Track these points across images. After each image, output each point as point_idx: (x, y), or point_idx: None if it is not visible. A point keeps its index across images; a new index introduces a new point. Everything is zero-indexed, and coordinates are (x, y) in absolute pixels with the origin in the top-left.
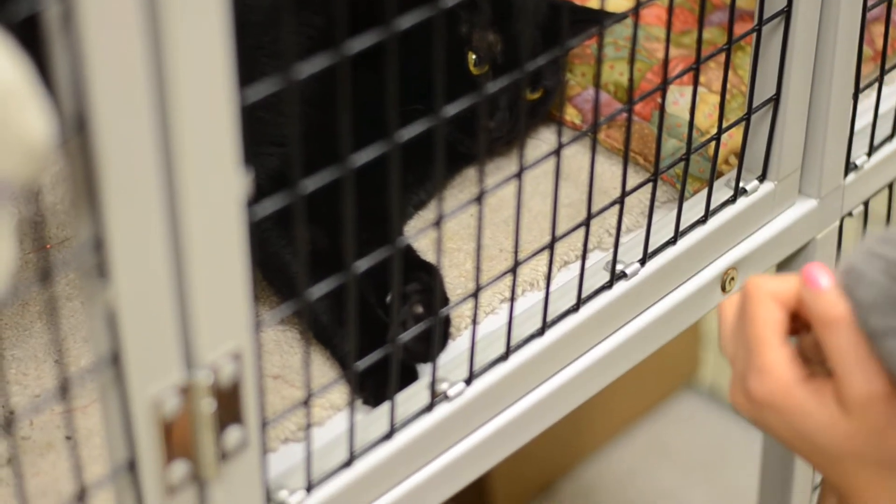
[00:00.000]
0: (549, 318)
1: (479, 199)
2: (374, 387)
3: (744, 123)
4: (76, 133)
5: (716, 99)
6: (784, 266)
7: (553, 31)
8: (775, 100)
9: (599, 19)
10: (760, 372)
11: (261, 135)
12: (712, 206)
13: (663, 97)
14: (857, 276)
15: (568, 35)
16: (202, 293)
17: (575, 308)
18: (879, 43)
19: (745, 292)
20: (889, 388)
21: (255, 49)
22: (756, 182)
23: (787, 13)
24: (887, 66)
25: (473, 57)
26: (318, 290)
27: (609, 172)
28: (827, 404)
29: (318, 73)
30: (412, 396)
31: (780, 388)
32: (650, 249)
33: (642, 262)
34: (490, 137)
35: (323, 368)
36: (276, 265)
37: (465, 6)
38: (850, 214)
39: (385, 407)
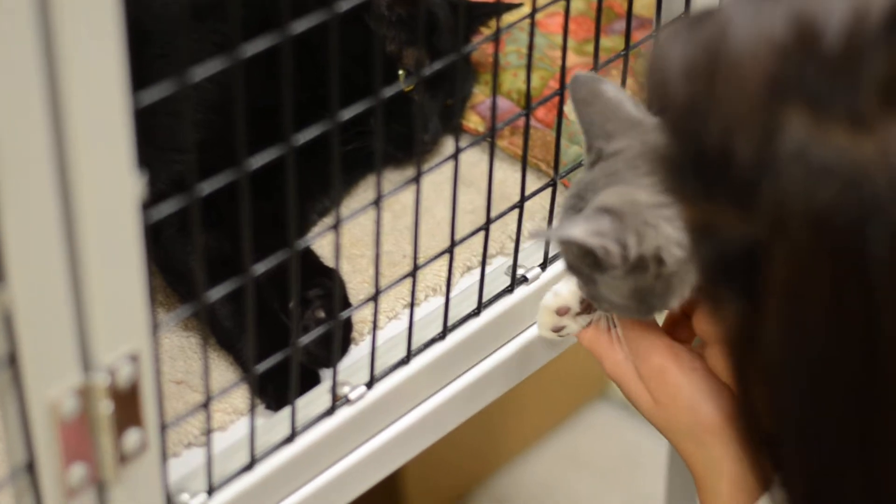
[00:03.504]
0: (451, 322)
1: (376, 202)
2: (276, 391)
3: None
4: None
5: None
6: None
7: (456, 34)
8: None
9: (497, 11)
10: (600, 359)
11: (164, 140)
12: None
13: (561, 103)
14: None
15: (467, 35)
16: (98, 295)
17: (476, 312)
18: None
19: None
20: (663, 364)
21: (158, 58)
22: None
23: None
24: None
25: (402, 74)
26: (218, 292)
27: (512, 179)
28: (636, 379)
29: (222, 79)
30: (314, 400)
31: (610, 368)
32: (551, 254)
33: (543, 266)
34: (423, 149)
35: (226, 374)
36: (179, 271)
37: (389, 24)
38: None
39: (286, 411)
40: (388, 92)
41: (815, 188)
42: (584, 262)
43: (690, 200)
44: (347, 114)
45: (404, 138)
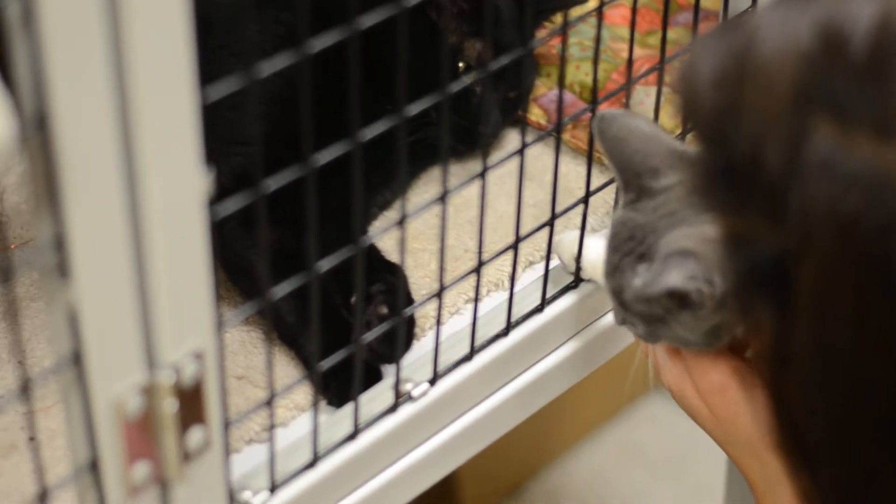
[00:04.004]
0: (514, 318)
1: (442, 198)
2: (338, 387)
3: None
4: (36, 132)
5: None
6: None
7: (523, 27)
8: None
9: (566, 4)
10: (659, 371)
11: (226, 133)
12: None
13: (628, 97)
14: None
15: (532, 28)
16: (164, 292)
17: (539, 308)
18: None
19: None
20: (724, 381)
21: (220, 48)
22: None
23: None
24: None
25: (463, 66)
26: (282, 289)
27: (574, 172)
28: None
29: (286, 71)
30: (376, 397)
31: (670, 380)
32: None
33: None
34: (484, 142)
35: (287, 369)
36: (241, 266)
37: (451, 16)
38: None
39: (349, 407)
40: (454, 87)
41: (840, 197)
42: (661, 306)
43: (722, 210)
44: (414, 109)
45: (465, 131)
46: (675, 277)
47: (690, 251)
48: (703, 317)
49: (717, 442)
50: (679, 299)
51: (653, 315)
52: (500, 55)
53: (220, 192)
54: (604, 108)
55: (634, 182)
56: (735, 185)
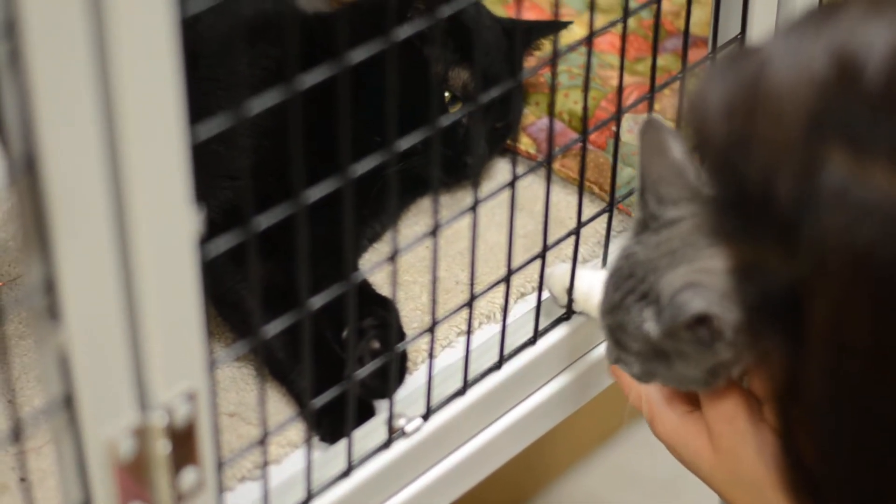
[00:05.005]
0: (506, 351)
1: (433, 232)
2: (331, 423)
3: None
4: (25, 173)
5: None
6: None
7: (512, 56)
8: None
9: (553, 29)
10: (652, 420)
11: (214, 167)
12: None
13: (618, 126)
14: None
15: (522, 60)
16: (155, 334)
17: (532, 341)
18: None
19: (613, 370)
20: (734, 410)
21: (209, 80)
22: None
23: (741, 39)
24: None
25: (448, 96)
26: (274, 327)
27: (565, 202)
28: (698, 433)
29: (275, 106)
30: (370, 433)
31: (667, 427)
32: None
33: None
34: (470, 174)
35: (279, 405)
36: (231, 301)
37: (437, 45)
38: None
39: (342, 444)
40: (444, 121)
41: (855, 228)
42: (674, 341)
43: (733, 240)
44: (404, 144)
45: (451, 162)
46: (699, 303)
47: (698, 283)
48: (715, 349)
49: (717, 485)
50: (698, 331)
51: (656, 352)
52: (488, 85)
53: (210, 226)
54: (591, 135)
55: (647, 200)
56: (747, 215)
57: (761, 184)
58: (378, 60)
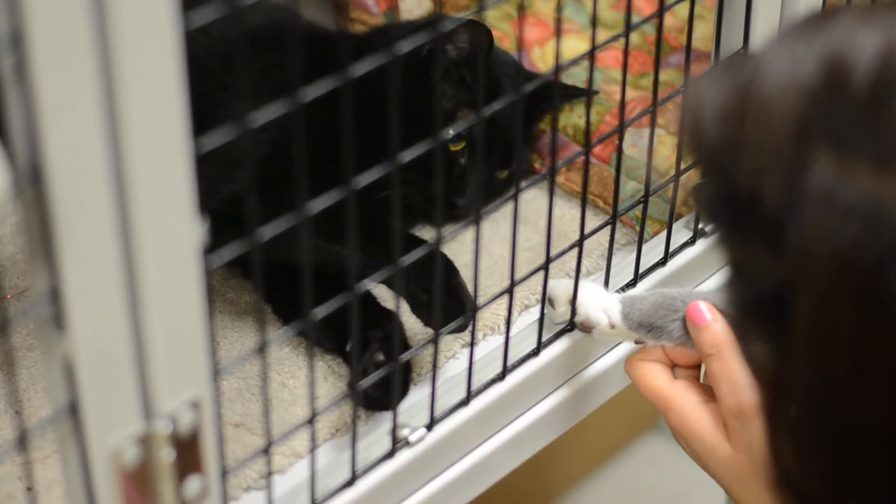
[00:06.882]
0: (510, 362)
1: (436, 244)
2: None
3: None
4: (31, 185)
5: (674, 140)
6: None
7: (529, 110)
8: None
9: (577, 95)
10: (667, 411)
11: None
12: (672, 248)
13: (621, 139)
14: None
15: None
16: (160, 343)
17: (535, 352)
18: None
19: (627, 366)
20: (753, 410)
21: (219, 90)
22: None
23: (743, 54)
24: None
25: (452, 134)
26: (280, 337)
27: (569, 215)
28: (714, 425)
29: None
30: (374, 443)
31: (682, 418)
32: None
33: None
34: (457, 214)
35: (284, 416)
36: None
37: (451, 83)
38: None
39: (346, 454)
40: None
41: (838, 228)
42: None
43: (726, 240)
44: (407, 156)
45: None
46: None
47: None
48: None
49: (726, 482)
50: None
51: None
52: (494, 132)
53: (212, 220)
54: (595, 149)
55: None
56: (737, 216)
57: (750, 186)
58: (385, 79)
